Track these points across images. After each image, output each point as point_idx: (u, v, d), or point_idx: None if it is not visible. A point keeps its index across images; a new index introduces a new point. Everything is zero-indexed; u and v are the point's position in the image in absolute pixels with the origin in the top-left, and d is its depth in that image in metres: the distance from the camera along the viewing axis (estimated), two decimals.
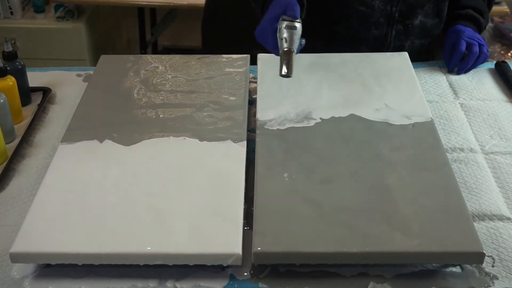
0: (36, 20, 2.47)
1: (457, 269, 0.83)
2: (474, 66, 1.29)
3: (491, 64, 1.32)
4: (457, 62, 1.28)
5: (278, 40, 0.97)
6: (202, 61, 1.23)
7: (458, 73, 1.29)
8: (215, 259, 0.80)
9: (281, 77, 1.16)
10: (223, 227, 0.82)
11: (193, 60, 1.23)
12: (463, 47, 1.26)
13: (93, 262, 0.80)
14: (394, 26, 1.28)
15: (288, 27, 0.96)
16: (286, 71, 0.95)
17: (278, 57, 1.22)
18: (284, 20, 0.98)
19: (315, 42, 1.30)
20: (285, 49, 0.96)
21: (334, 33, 1.29)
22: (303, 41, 1.02)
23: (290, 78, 1.16)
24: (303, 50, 1.22)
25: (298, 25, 0.97)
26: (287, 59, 0.95)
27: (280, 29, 0.97)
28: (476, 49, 1.26)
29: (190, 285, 0.80)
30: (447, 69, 1.30)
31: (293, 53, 0.96)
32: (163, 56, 1.25)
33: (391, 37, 1.29)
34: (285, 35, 0.96)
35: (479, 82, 1.26)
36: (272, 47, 1.01)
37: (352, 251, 0.79)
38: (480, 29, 1.33)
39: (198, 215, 0.84)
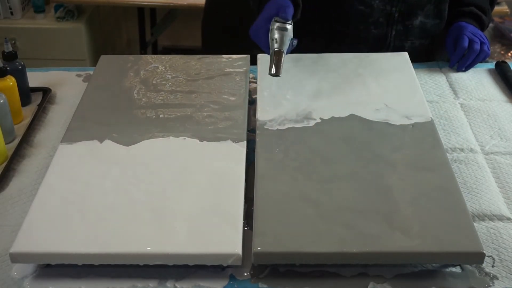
0: (36, 20, 2.47)
1: (457, 269, 0.83)
2: (474, 63, 1.29)
3: (491, 64, 1.32)
4: (459, 58, 1.28)
5: (270, 40, 1.01)
6: (202, 61, 1.23)
7: (458, 69, 1.29)
8: (215, 259, 0.80)
9: (281, 77, 1.16)
10: (223, 227, 0.82)
11: (193, 60, 1.23)
12: (466, 42, 1.26)
13: (93, 262, 0.80)
14: (394, 26, 1.28)
15: (279, 29, 1.00)
16: (275, 71, 0.99)
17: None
18: (276, 21, 1.01)
19: (314, 41, 1.30)
20: (275, 50, 1.00)
21: (334, 33, 1.29)
22: (295, 41, 1.04)
23: (290, 78, 1.17)
24: (303, 50, 1.22)
25: (289, 26, 1.00)
26: (276, 59, 0.99)
27: (272, 29, 1.01)
28: (477, 46, 1.26)
29: (190, 285, 0.80)
30: (449, 64, 1.30)
31: (283, 54, 1.00)
32: (163, 56, 1.25)
33: (391, 37, 1.29)
34: (276, 36, 1.00)
35: (479, 82, 1.26)
36: (265, 46, 1.05)
37: (352, 251, 0.79)
38: (482, 27, 1.33)
39: (198, 215, 0.84)
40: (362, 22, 1.27)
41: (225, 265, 0.81)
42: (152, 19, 2.83)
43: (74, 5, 2.45)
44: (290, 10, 1.03)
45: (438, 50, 1.36)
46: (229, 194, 0.88)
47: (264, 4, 1.09)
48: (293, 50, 1.25)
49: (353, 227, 0.82)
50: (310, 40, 1.29)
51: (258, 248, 0.79)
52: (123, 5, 2.42)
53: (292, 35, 1.02)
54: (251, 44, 1.30)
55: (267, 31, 1.03)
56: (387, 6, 1.25)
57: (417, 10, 1.27)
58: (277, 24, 1.01)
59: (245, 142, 0.99)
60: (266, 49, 1.05)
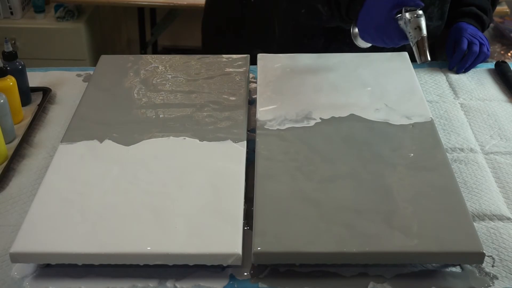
0: (36, 20, 2.47)
1: (457, 269, 0.83)
2: (473, 65, 1.29)
3: (491, 64, 1.32)
4: (458, 60, 1.28)
5: (410, 30, 1.00)
6: (202, 61, 1.23)
7: (457, 72, 1.29)
8: (215, 259, 0.80)
9: (281, 77, 1.16)
10: (223, 227, 0.82)
11: (193, 60, 1.23)
12: (465, 45, 1.26)
13: (93, 262, 0.80)
14: None
15: (415, 16, 1.00)
16: (425, 58, 1.00)
17: (280, 57, 1.23)
18: (408, 11, 1.01)
19: (315, 40, 1.30)
20: (420, 37, 1.00)
21: (335, 32, 1.29)
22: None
23: (290, 78, 1.17)
24: (304, 49, 1.22)
25: (421, 12, 1.01)
26: (425, 46, 1.00)
27: (407, 20, 1.00)
28: (476, 48, 1.26)
29: (190, 285, 0.80)
30: (448, 66, 1.30)
31: (427, 39, 1.00)
32: (163, 56, 1.25)
33: None
34: (415, 25, 1.00)
35: (479, 82, 1.26)
36: (397, 40, 1.03)
37: (352, 251, 0.79)
38: (483, 27, 1.33)
39: (198, 215, 0.84)
40: None
41: (225, 265, 0.81)
42: (152, 19, 2.83)
43: (74, 5, 2.45)
44: None
45: (440, 51, 1.36)
46: (229, 194, 0.88)
47: (357, 4, 1.07)
48: (293, 50, 1.25)
49: (353, 227, 0.82)
50: (310, 39, 1.29)
51: (258, 248, 0.79)
52: (123, 5, 2.42)
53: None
54: (251, 44, 1.30)
55: (396, 25, 1.01)
56: None
57: None
58: (411, 14, 1.00)
59: (245, 142, 0.99)
60: (399, 42, 1.03)
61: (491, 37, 2.56)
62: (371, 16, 1.05)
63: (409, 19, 1.00)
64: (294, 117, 1.04)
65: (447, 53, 1.30)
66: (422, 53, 1.00)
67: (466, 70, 1.29)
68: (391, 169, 0.92)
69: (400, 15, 1.01)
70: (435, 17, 1.29)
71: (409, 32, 1.00)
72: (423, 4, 1.00)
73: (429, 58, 1.00)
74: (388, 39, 1.04)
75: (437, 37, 1.33)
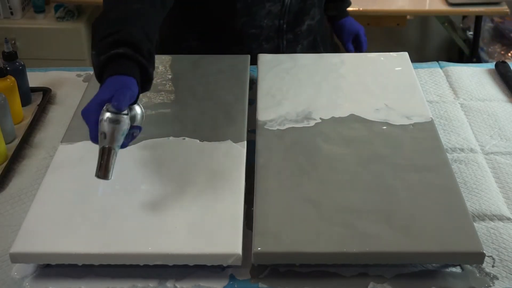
0: (36, 20, 2.47)
1: (457, 269, 0.83)
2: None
3: (491, 64, 1.32)
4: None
5: (98, 133, 0.78)
6: (202, 61, 1.22)
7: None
8: (215, 259, 0.80)
9: (281, 77, 1.16)
10: (223, 227, 0.82)
11: (193, 60, 1.23)
12: (366, 45, 1.46)
13: (93, 262, 0.80)
14: (284, 37, 1.30)
15: (110, 121, 0.77)
16: (101, 173, 0.78)
17: (280, 57, 1.23)
18: (108, 110, 0.78)
19: None
20: (104, 147, 0.78)
21: (229, 52, 1.27)
22: (138, 131, 0.82)
23: (290, 78, 1.16)
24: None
25: (123, 118, 0.78)
26: (105, 158, 0.78)
27: (101, 120, 0.77)
28: (365, 38, 1.46)
29: (190, 285, 0.80)
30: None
31: (113, 152, 0.78)
32: (163, 56, 1.25)
33: (283, 47, 1.31)
34: (105, 129, 0.77)
35: (479, 82, 1.26)
36: (93, 137, 0.80)
37: (352, 251, 0.79)
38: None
39: (198, 215, 0.84)
40: (254, 41, 1.29)
41: (225, 265, 0.81)
42: None
43: (74, 5, 2.45)
44: (126, 98, 0.77)
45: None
46: (229, 194, 0.88)
47: (106, 76, 0.81)
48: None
49: (353, 227, 0.82)
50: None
51: (258, 248, 0.79)
52: None
53: (129, 127, 0.80)
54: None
55: (98, 119, 0.78)
56: (275, 21, 1.27)
57: (303, 17, 1.30)
58: (107, 115, 0.77)
59: (245, 142, 0.99)
60: (94, 140, 0.80)
61: (491, 37, 2.56)
62: (92, 99, 0.80)
63: (100, 120, 0.77)
64: (294, 117, 1.04)
65: (349, 50, 1.45)
66: (97, 166, 0.78)
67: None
68: (391, 169, 0.92)
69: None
70: (316, 16, 1.34)
71: (98, 135, 0.78)
72: (123, 110, 0.78)
73: (104, 176, 0.78)
74: (89, 131, 0.80)
75: (320, 30, 1.39)
